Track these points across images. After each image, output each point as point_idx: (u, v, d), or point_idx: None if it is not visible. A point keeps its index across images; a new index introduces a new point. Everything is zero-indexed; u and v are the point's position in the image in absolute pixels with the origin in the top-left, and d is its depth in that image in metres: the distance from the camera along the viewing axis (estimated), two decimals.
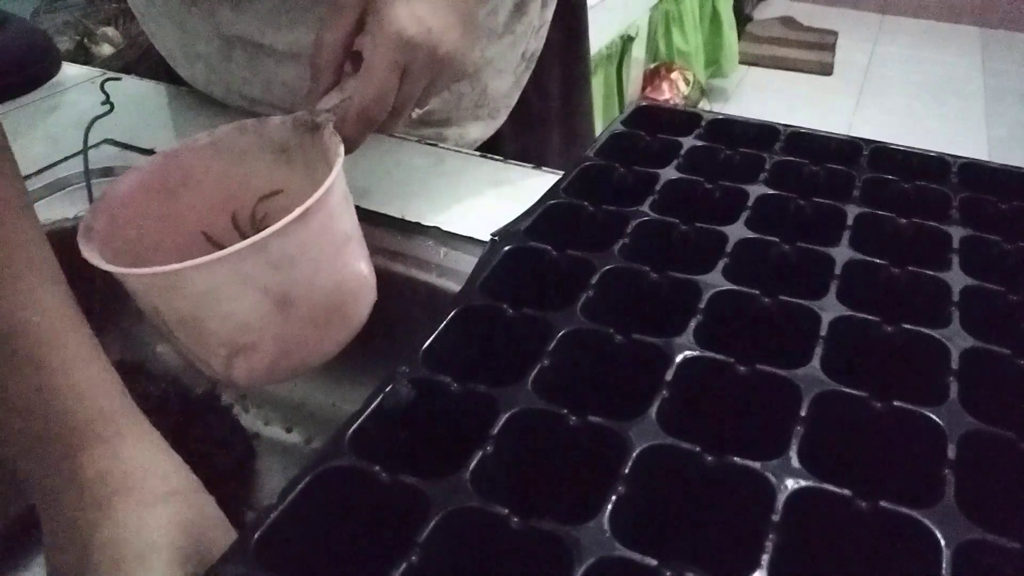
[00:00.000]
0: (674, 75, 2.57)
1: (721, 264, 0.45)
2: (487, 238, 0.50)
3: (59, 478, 0.35)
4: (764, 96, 3.05)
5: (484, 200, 0.61)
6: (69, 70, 0.82)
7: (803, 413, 0.36)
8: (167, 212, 0.47)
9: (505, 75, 0.72)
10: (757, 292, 0.43)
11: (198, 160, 0.48)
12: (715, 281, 0.44)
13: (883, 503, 0.32)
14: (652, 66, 2.59)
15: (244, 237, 0.48)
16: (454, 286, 0.47)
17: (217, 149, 0.48)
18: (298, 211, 0.39)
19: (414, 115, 0.52)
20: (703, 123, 0.61)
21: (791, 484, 0.33)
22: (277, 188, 0.48)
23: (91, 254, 0.39)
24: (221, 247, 0.47)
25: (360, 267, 0.46)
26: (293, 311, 0.41)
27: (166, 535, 0.34)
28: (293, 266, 0.40)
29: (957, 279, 0.44)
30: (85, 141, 0.60)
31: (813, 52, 3.24)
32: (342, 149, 0.44)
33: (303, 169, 0.48)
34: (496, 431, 0.35)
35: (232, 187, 0.48)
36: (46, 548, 0.36)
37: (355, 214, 0.45)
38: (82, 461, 0.35)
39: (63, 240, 0.41)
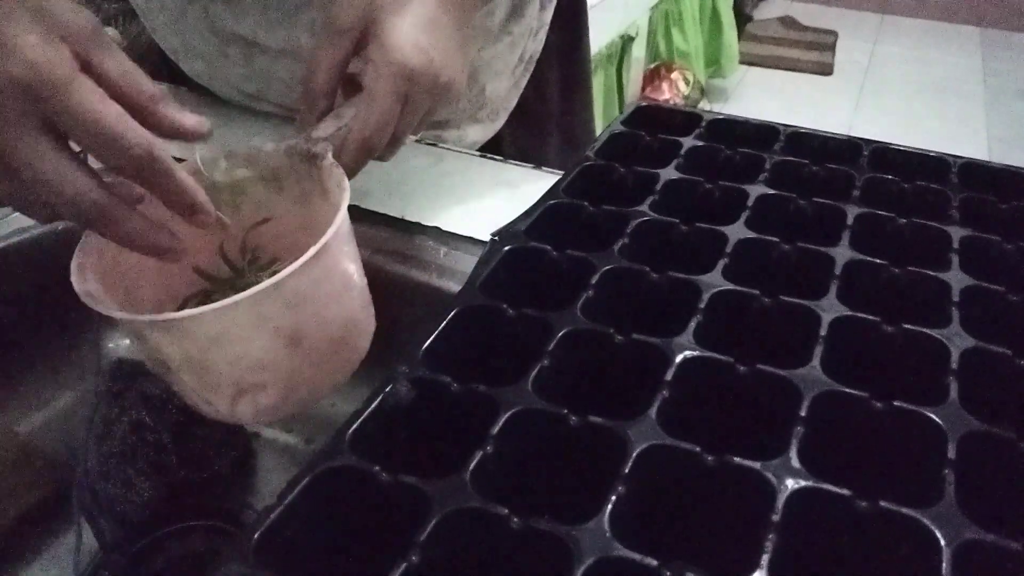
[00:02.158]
0: (674, 75, 2.57)
1: (721, 264, 0.45)
2: (487, 238, 0.50)
3: None
4: (764, 96, 3.05)
5: (484, 200, 0.61)
6: None
7: (803, 413, 0.36)
8: None
9: (503, 77, 0.72)
10: (757, 292, 0.43)
11: None
12: (715, 281, 0.44)
13: (883, 503, 0.32)
14: (652, 66, 2.59)
15: (233, 267, 0.47)
16: (454, 286, 0.47)
17: (204, 175, 0.46)
18: (314, 249, 0.38)
19: (408, 142, 0.52)
20: (703, 123, 0.61)
21: (791, 484, 0.33)
22: (267, 215, 0.47)
23: (88, 297, 0.38)
24: (208, 279, 0.47)
25: (364, 298, 0.45)
26: (302, 348, 0.40)
27: None
28: (306, 304, 0.40)
29: (957, 279, 0.44)
30: None
31: (813, 52, 3.25)
32: (346, 182, 0.43)
33: (296, 197, 0.47)
34: (496, 431, 0.35)
35: (221, 213, 0.47)
36: None
37: (356, 244, 0.45)
38: None
39: (62, 242, 0.41)
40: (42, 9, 0.36)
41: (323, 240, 0.38)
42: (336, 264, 0.41)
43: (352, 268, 0.44)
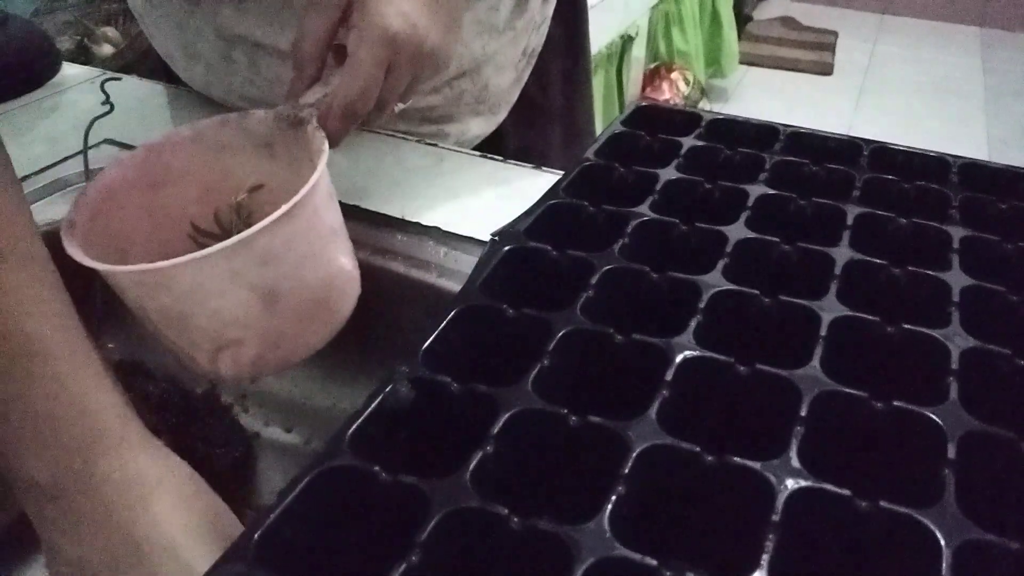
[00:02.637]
0: (674, 75, 2.57)
1: (721, 264, 0.45)
2: (487, 238, 0.50)
3: (79, 481, 0.37)
4: (764, 96, 3.05)
5: (484, 200, 0.61)
6: (69, 70, 0.82)
7: (803, 413, 0.36)
8: (149, 205, 0.47)
9: (506, 71, 0.72)
10: (757, 292, 0.43)
11: (180, 153, 0.47)
12: (715, 281, 0.44)
13: (883, 503, 0.32)
14: (652, 66, 2.59)
15: (226, 232, 0.47)
16: (454, 286, 0.47)
17: (199, 142, 0.48)
18: (285, 207, 0.39)
19: (396, 110, 0.52)
20: (703, 123, 0.61)
21: (791, 484, 0.33)
22: (259, 182, 0.48)
23: (74, 251, 0.39)
24: (206, 238, 0.48)
25: (345, 262, 0.46)
26: (279, 306, 0.41)
27: (201, 526, 0.38)
28: (280, 262, 0.40)
29: (957, 279, 0.44)
30: (85, 141, 0.60)
31: (813, 52, 3.24)
32: (326, 145, 0.44)
33: (286, 163, 0.48)
34: (496, 431, 0.35)
35: (214, 181, 0.48)
36: (55, 548, 0.38)
37: (339, 209, 0.45)
38: (109, 464, 0.37)
39: (61, 241, 0.41)
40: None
41: (295, 199, 0.39)
42: (312, 225, 0.42)
43: (331, 230, 0.44)
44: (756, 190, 0.52)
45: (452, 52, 0.51)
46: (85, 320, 0.40)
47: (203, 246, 0.47)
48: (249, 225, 0.48)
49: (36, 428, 0.37)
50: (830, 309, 0.42)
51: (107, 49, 1.48)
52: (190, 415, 0.56)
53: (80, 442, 0.37)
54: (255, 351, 0.42)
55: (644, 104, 0.65)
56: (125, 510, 0.37)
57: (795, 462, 0.34)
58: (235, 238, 0.38)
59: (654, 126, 0.60)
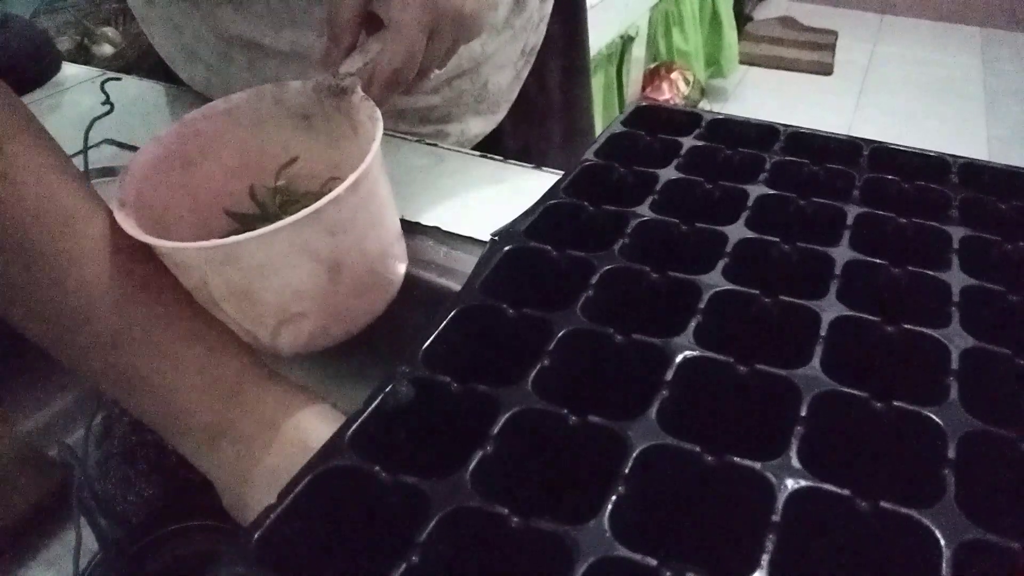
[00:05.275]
0: (674, 75, 2.57)
1: (721, 264, 0.45)
2: (487, 238, 0.50)
3: (243, 410, 0.41)
4: (764, 96, 3.05)
5: (484, 200, 0.61)
6: (69, 70, 0.82)
7: (803, 413, 0.36)
8: (185, 183, 0.47)
9: (505, 70, 0.72)
10: (757, 292, 0.43)
11: (215, 128, 0.47)
12: (715, 281, 0.44)
13: (883, 503, 0.32)
14: (652, 66, 2.59)
15: (262, 208, 0.48)
16: (454, 286, 0.47)
17: (234, 116, 0.47)
18: (352, 177, 0.39)
19: (432, 76, 0.53)
20: (703, 123, 0.61)
21: (791, 484, 0.33)
22: (294, 155, 0.48)
23: (134, 230, 0.40)
24: (240, 220, 0.48)
25: (397, 231, 0.46)
26: (343, 277, 0.42)
27: None
28: (346, 232, 0.40)
29: (957, 279, 0.44)
30: (85, 141, 0.60)
31: (813, 52, 3.25)
32: (378, 113, 0.43)
33: (324, 135, 0.47)
34: (496, 431, 0.35)
35: (249, 154, 0.48)
36: (239, 481, 0.41)
37: (388, 179, 0.45)
38: (260, 394, 0.42)
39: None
40: None
41: (363, 167, 0.39)
42: (372, 194, 0.42)
43: (387, 200, 0.44)
44: (756, 190, 0.52)
45: (488, 16, 0.51)
46: None
47: (242, 226, 0.47)
48: (288, 204, 0.48)
49: (198, 374, 0.41)
50: (830, 309, 0.42)
51: (107, 49, 1.48)
52: None
53: (232, 381, 0.41)
54: (317, 324, 0.43)
55: (644, 104, 0.65)
56: (287, 421, 0.41)
57: (795, 462, 0.34)
58: (307, 210, 0.38)
59: (654, 126, 0.60)
